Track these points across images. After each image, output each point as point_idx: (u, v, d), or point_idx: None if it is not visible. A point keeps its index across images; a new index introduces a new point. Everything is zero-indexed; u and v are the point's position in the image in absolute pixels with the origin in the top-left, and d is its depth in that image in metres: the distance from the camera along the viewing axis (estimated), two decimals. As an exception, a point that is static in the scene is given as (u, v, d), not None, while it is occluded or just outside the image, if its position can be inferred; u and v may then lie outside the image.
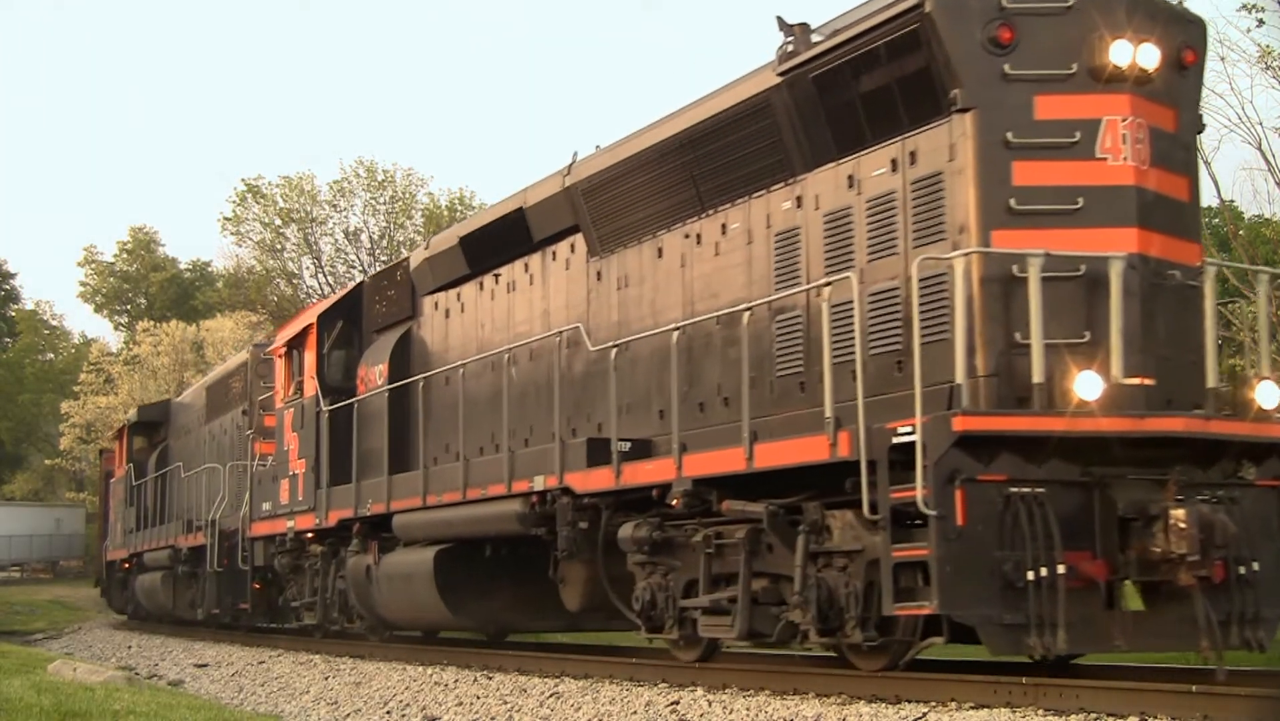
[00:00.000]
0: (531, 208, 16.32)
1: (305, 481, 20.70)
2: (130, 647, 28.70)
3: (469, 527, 16.34)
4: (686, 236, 14.08)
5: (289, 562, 21.98)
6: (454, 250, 18.04)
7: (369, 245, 62.13)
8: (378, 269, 61.48)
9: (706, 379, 13.57)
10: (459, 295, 18.26)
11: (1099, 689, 9.76)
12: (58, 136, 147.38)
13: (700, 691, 12.34)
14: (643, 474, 13.39)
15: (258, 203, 62.93)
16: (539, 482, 14.79)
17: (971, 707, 9.96)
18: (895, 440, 10.55)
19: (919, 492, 10.24)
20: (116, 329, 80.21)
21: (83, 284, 79.59)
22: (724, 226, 13.59)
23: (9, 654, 20.35)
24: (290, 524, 21.33)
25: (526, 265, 16.72)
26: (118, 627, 37.04)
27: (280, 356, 22.40)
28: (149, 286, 77.63)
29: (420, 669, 16.86)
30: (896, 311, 11.55)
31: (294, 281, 63.63)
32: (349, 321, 20.86)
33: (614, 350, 14.00)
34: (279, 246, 63.09)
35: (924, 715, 9.91)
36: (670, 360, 13.27)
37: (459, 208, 61.87)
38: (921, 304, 11.20)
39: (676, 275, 14.20)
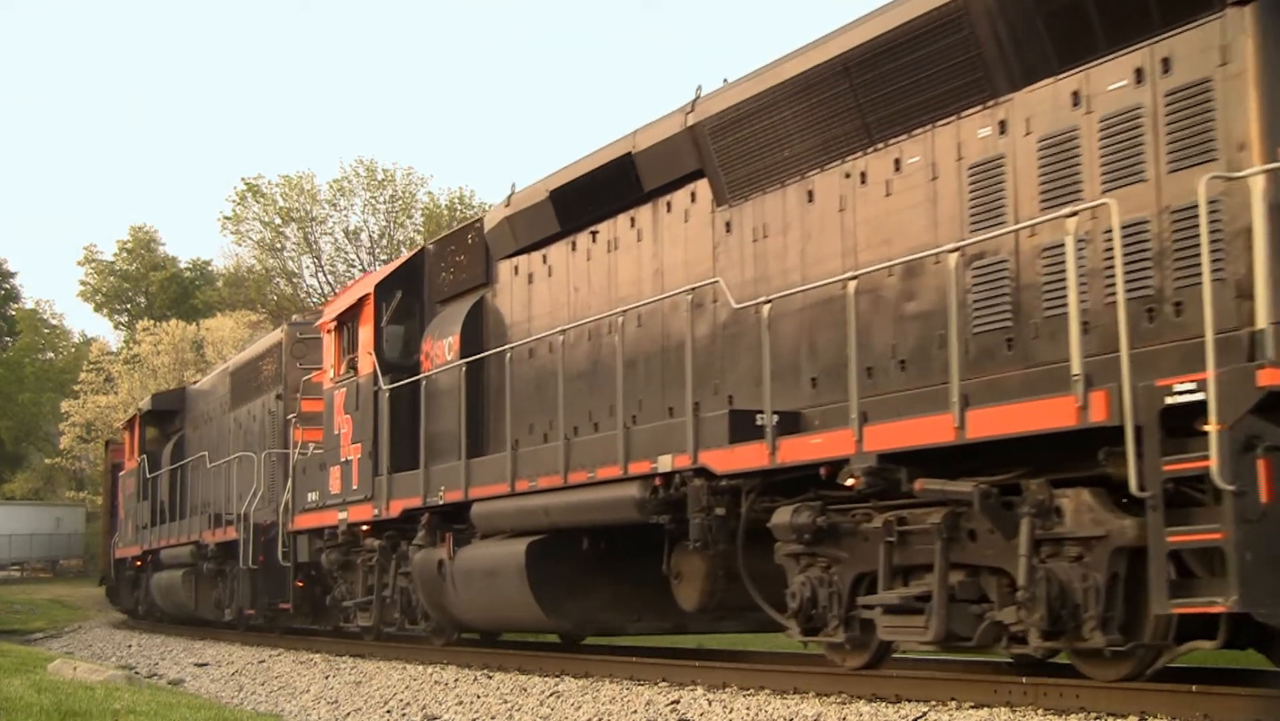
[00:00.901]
0: (643, 153, 13.79)
1: (361, 469, 18.08)
2: (130, 647, 27.69)
3: (569, 516, 13.86)
4: (847, 176, 11.65)
5: (338, 558, 19.22)
6: (541, 206, 15.46)
7: (369, 244, 60.90)
8: (378, 267, 60.63)
9: (876, 340, 11.13)
10: (545, 257, 15.72)
11: (1099, 688, 9.17)
12: (58, 136, 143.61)
13: (700, 690, 11.89)
14: (806, 450, 10.95)
15: (258, 202, 61.84)
16: (664, 463, 12.34)
17: (971, 707, 9.52)
18: (1170, 400, 8.24)
19: (1211, 463, 7.95)
20: (116, 328, 78.10)
21: (83, 283, 77.24)
22: (897, 162, 11.17)
23: (9, 653, 19.79)
24: (342, 515, 18.62)
25: (633, 219, 14.22)
26: (118, 627, 35.64)
27: (329, 332, 19.59)
28: (149, 285, 75.26)
29: (420, 668, 16.25)
30: (1145, 248, 9.17)
31: (294, 281, 62.64)
32: (409, 291, 18.11)
33: (766, 306, 11.51)
34: (279, 246, 62.08)
35: (924, 714, 9.46)
36: (844, 316, 10.86)
37: (459, 207, 60.56)
38: (1184, 238, 8.86)
39: (833, 221, 11.78)
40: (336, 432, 19.02)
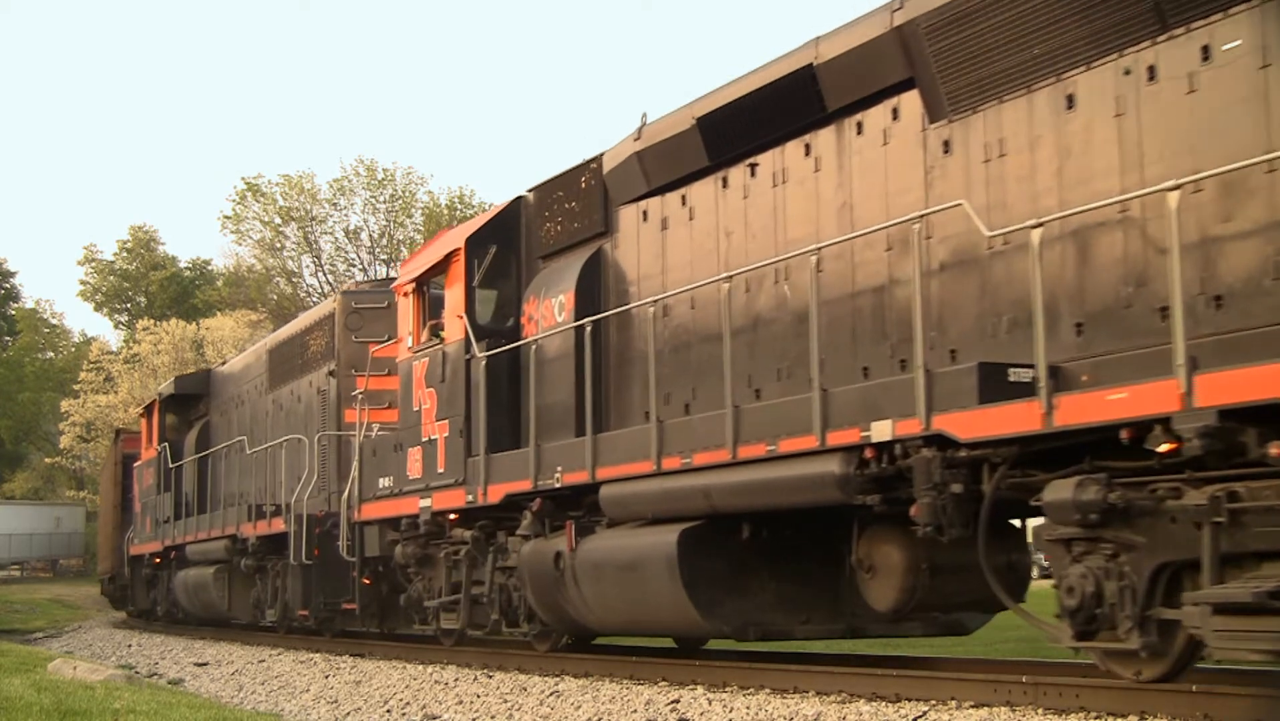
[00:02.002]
0: (828, 64, 11.00)
1: (448, 449, 15.18)
2: (130, 646, 26.40)
3: (739, 499, 11.09)
4: (1126, 73, 8.97)
5: (415, 552, 16.23)
6: (683, 138, 12.63)
7: (369, 244, 59.22)
8: (379, 267, 58.07)
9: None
10: (684, 198, 12.90)
11: (1099, 688, 8.83)
12: (58, 136, 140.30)
13: (700, 689, 11.50)
14: (1101, 408, 8.20)
15: (258, 201, 60.10)
16: (880, 430, 9.58)
17: (971, 706, 9.24)
18: None
19: None
20: (116, 327, 76.44)
21: (83, 282, 75.44)
22: (1205, 50, 8.51)
23: (9, 652, 19.27)
24: (425, 503, 15.66)
25: (808, 146, 11.45)
26: (118, 626, 34.17)
27: (406, 295, 16.54)
28: (149, 285, 73.36)
29: (420, 667, 15.77)
30: None
31: (294, 280, 60.78)
32: (504, 246, 15.20)
33: (1037, 231, 8.76)
34: (279, 245, 60.33)
35: (924, 714, 9.15)
36: (1127, 245, 8.21)
37: (459, 206, 58.95)
38: None
39: (1104, 130, 9.10)
40: (417, 409, 16.03)
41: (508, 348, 14.55)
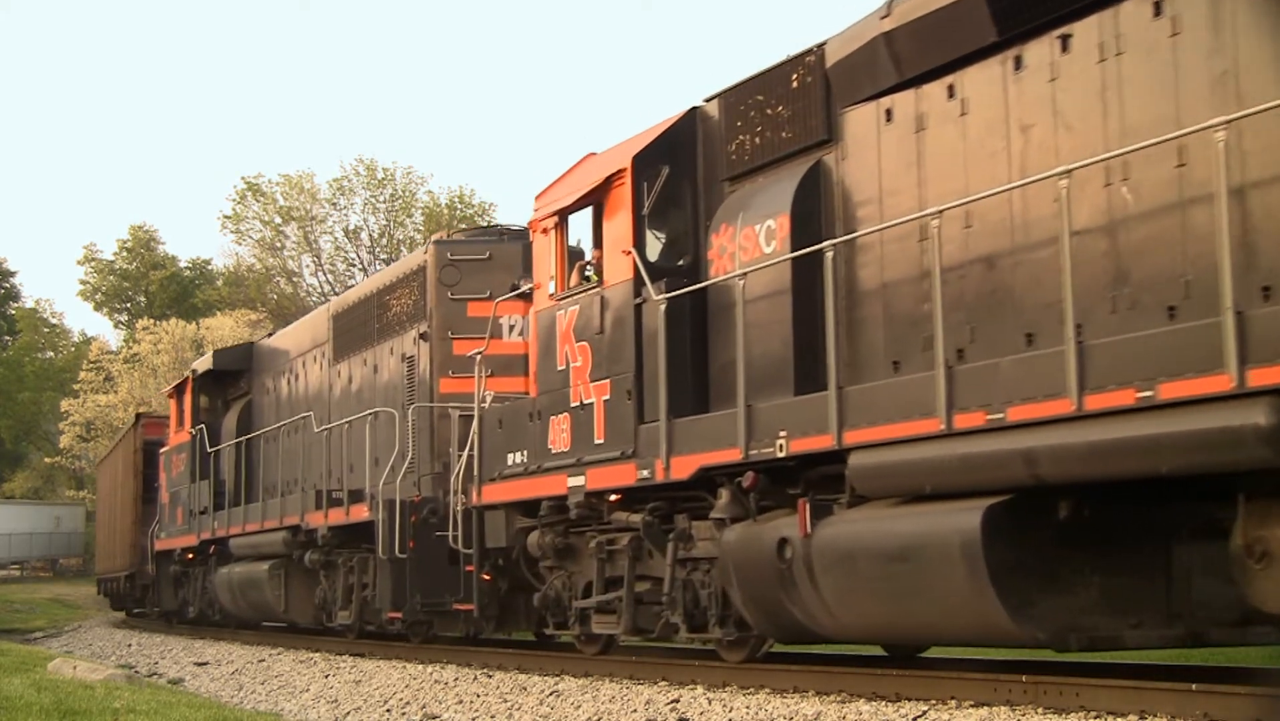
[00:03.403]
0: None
1: (610, 415, 12.07)
2: (130, 646, 25.43)
3: (1084, 465, 7.88)
4: None
5: (554, 542, 13.10)
6: (960, 7, 9.31)
7: (369, 243, 57.15)
8: (379, 267, 54.99)
9: None
10: (952, 89, 9.59)
11: (1099, 687, 8.38)
12: (58, 136, 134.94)
13: (700, 689, 11.01)
14: None
15: (258, 201, 58.28)
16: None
17: (971, 706, 8.77)
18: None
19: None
20: (116, 327, 73.89)
21: (83, 282, 72.67)
22: None
23: (9, 652, 18.69)
24: (576, 481, 12.48)
25: (1158, 5, 8.20)
26: (117, 626, 32.93)
27: (548, 232, 13.34)
28: (149, 285, 70.63)
29: (420, 666, 15.19)
30: None
31: (294, 280, 58.95)
32: (676, 168, 11.94)
33: None
34: (279, 245, 58.55)
35: (924, 713, 8.70)
36: None
37: (459, 206, 56.92)
38: None
39: None
40: (562, 369, 12.82)
41: (697, 286, 11.36)
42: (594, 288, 12.48)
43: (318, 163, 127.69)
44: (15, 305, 78.55)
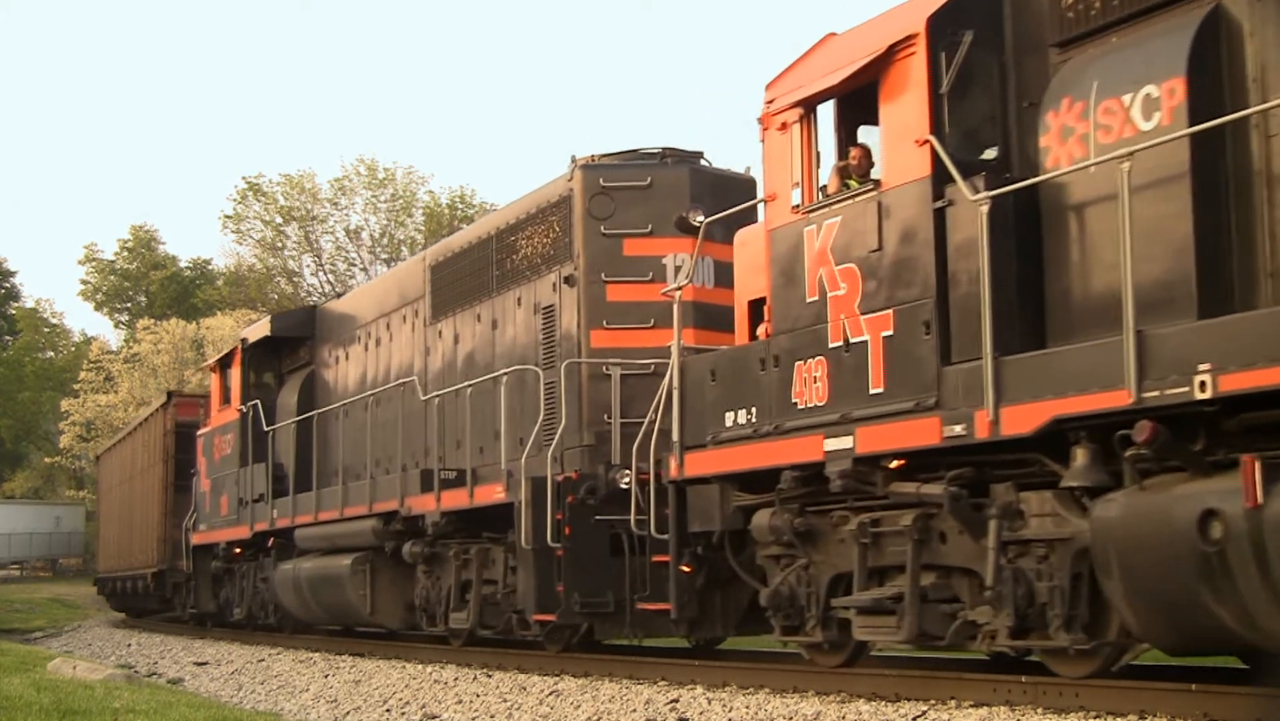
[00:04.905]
0: None
1: (894, 354, 9.49)
2: (130, 646, 24.89)
3: None
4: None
5: (794, 524, 10.43)
6: None
7: (369, 243, 56.64)
8: (379, 267, 54.09)
9: None
10: None
11: (1099, 687, 8.33)
12: (58, 135, 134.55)
13: (700, 689, 10.94)
14: None
15: (258, 201, 57.72)
16: None
17: (971, 706, 8.77)
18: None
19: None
20: (117, 327, 73.36)
21: (83, 282, 72.29)
22: None
23: (8, 652, 18.51)
24: (838, 443, 9.75)
25: None
26: (117, 626, 32.69)
27: (786, 127, 10.60)
28: (149, 284, 70.23)
29: (420, 666, 15.11)
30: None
31: (294, 280, 58.32)
32: (980, 35, 9.43)
33: None
34: (279, 245, 58.03)
35: (923, 713, 8.67)
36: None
37: (459, 206, 56.58)
38: None
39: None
40: (814, 300, 10.22)
41: (1035, 180, 8.93)
42: (867, 191, 9.79)
43: (318, 162, 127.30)
44: (15, 305, 78.19)
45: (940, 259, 9.23)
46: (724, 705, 9.94)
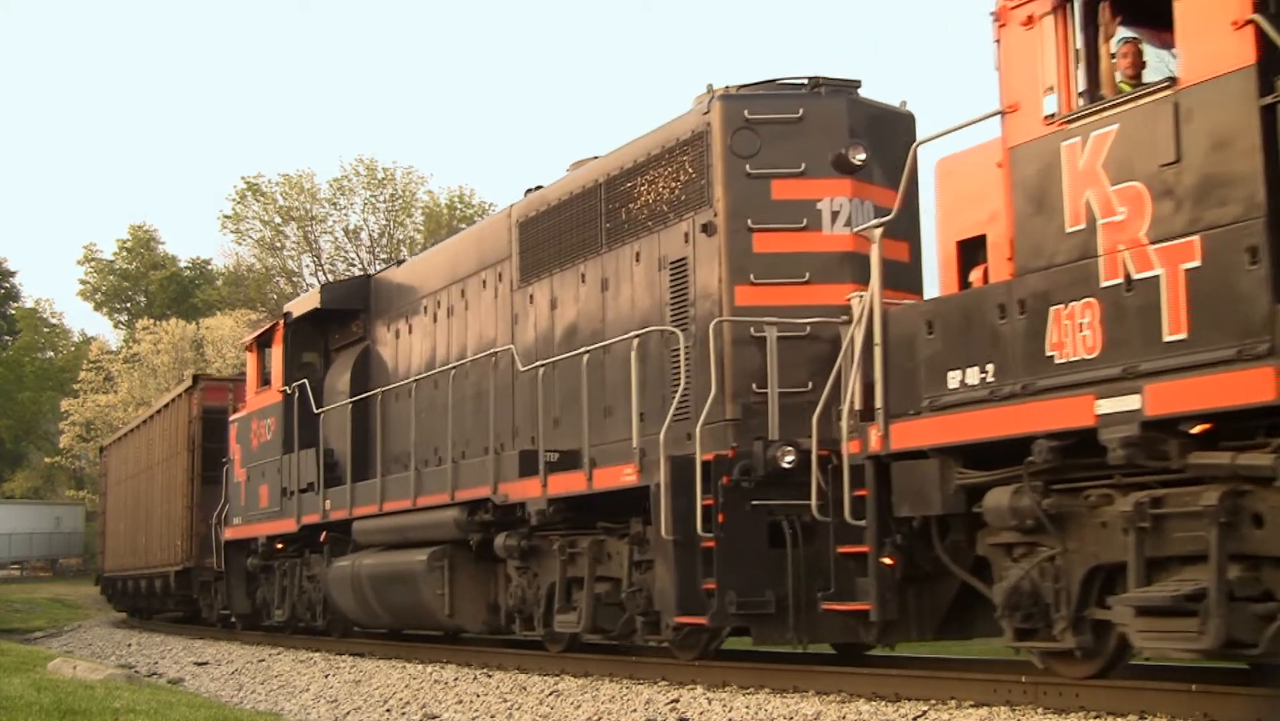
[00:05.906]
0: None
1: (1201, 291, 7.59)
2: (130, 646, 24.83)
3: None
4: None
5: (1039, 506, 8.59)
6: None
7: (369, 243, 56.59)
8: (378, 267, 53.68)
9: None
10: None
11: (1099, 687, 8.27)
12: (58, 135, 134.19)
13: (700, 689, 10.79)
14: None
15: (258, 201, 57.47)
16: None
17: (971, 706, 8.71)
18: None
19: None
20: (116, 327, 72.97)
21: (82, 282, 71.94)
22: None
23: (8, 652, 18.36)
24: (1115, 405, 7.89)
25: None
26: (117, 626, 32.50)
27: (1032, 21, 8.76)
28: (149, 284, 69.91)
29: (420, 666, 14.99)
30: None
31: (294, 280, 57.95)
32: None
33: None
34: (279, 244, 57.83)
35: (924, 713, 8.61)
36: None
37: (459, 206, 56.55)
38: None
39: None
40: (1078, 229, 8.37)
41: None
42: (1159, 90, 7.92)
43: (318, 162, 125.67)
44: (15, 305, 77.71)
45: (1272, 168, 7.30)
46: (724, 705, 9.93)
